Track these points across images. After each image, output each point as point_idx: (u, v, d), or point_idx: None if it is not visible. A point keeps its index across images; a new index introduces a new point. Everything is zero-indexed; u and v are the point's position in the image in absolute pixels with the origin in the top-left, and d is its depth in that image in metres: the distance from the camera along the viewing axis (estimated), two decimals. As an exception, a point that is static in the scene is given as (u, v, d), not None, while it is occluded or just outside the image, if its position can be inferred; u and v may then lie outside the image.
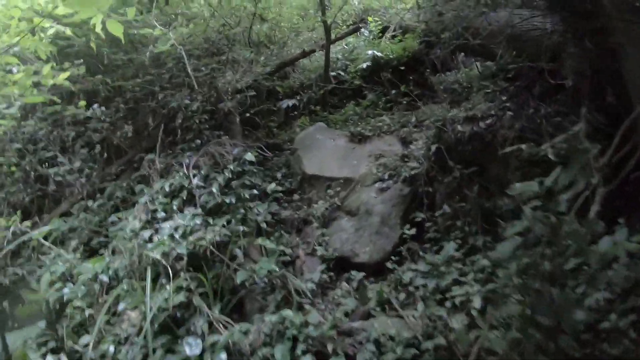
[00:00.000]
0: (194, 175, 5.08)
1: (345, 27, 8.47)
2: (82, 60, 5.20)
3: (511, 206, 4.09)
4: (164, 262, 4.10)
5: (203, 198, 4.83)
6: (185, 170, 5.15)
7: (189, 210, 4.71)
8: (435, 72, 8.08)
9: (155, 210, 4.78)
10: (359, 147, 5.73)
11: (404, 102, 6.83)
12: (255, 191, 5.10)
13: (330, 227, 4.96)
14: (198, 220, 4.54)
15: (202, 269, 4.28)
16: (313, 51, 7.38)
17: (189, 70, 5.15)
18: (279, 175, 5.84)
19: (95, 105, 5.79)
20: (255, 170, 5.49)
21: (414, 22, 7.86)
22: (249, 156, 5.33)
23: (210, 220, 4.61)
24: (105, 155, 5.89)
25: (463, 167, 4.39)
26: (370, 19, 8.22)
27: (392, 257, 4.49)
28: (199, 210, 4.72)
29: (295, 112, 7.69)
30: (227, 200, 4.79)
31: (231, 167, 5.18)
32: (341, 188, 5.22)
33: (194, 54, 5.93)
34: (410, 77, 7.38)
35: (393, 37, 8.15)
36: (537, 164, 4.00)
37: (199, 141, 5.65)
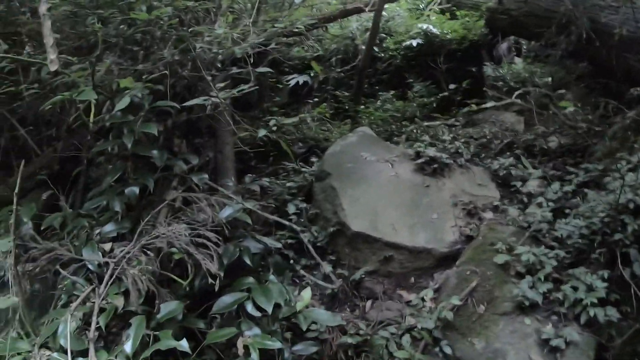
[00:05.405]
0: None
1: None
2: None
3: None
4: None
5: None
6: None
7: None
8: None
9: None
10: (434, 183, 3.46)
11: (472, 103, 4.76)
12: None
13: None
14: None
15: None
16: (360, 10, 5.18)
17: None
18: (291, 209, 3.39)
19: None
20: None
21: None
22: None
23: None
24: None
25: None
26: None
27: None
28: None
29: (309, 94, 5.52)
30: None
31: None
32: (417, 274, 2.98)
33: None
34: (472, 69, 5.43)
35: (442, 11, 6.13)
36: None
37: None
